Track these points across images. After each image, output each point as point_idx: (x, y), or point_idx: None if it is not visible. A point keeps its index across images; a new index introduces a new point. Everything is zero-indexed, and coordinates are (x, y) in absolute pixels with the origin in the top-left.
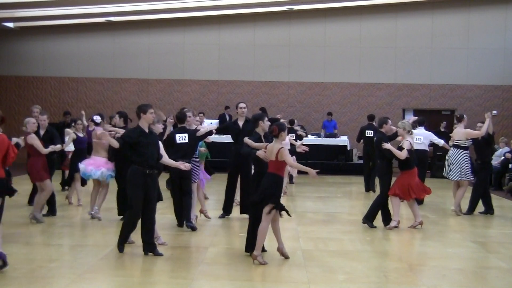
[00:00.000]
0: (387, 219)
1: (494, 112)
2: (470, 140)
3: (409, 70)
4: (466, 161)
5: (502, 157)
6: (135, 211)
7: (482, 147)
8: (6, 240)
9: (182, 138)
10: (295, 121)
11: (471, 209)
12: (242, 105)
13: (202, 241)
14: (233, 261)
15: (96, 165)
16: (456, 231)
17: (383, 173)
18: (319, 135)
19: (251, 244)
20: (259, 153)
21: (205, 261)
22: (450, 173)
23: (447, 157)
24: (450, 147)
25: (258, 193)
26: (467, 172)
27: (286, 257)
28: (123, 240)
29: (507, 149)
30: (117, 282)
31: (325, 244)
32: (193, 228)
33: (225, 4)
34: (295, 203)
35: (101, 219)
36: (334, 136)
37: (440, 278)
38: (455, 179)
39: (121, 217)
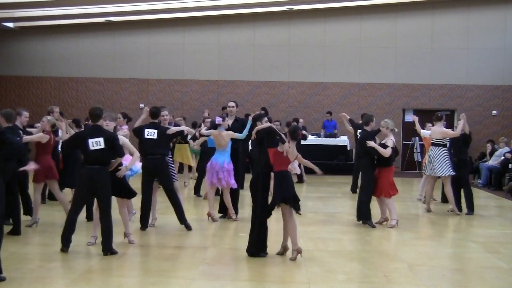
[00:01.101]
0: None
1: (494, 112)
2: (448, 138)
3: (409, 70)
4: (446, 157)
5: (502, 157)
6: None
7: (460, 146)
8: (7, 240)
9: (151, 133)
10: (301, 120)
11: (470, 208)
12: (230, 103)
13: (202, 241)
14: (233, 261)
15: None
16: (456, 231)
17: (366, 169)
18: (319, 135)
19: (252, 245)
20: (286, 145)
21: (205, 261)
22: (434, 170)
23: (427, 156)
24: (430, 145)
25: (283, 194)
26: (448, 168)
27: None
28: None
29: (507, 149)
30: (117, 282)
31: (325, 244)
32: (189, 228)
33: (225, 4)
34: None
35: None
36: (334, 136)
37: (440, 278)
38: (439, 175)
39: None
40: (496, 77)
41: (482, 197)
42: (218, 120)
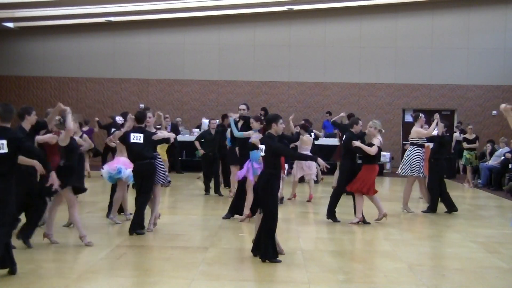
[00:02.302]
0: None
1: (494, 112)
2: (424, 139)
3: (409, 70)
4: (417, 157)
5: (502, 157)
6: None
7: (436, 147)
8: None
9: (136, 138)
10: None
11: (431, 208)
12: (242, 106)
13: (202, 241)
14: (233, 261)
15: (125, 165)
16: (456, 231)
17: (345, 170)
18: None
19: (257, 245)
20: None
21: (205, 261)
22: (402, 168)
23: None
24: (408, 145)
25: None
26: (416, 168)
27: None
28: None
29: (507, 149)
30: (117, 282)
31: (325, 244)
32: (140, 233)
33: (225, 4)
34: (295, 203)
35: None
36: (334, 136)
37: (440, 278)
38: (404, 174)
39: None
40: (496, 77)
41: (482, 197)
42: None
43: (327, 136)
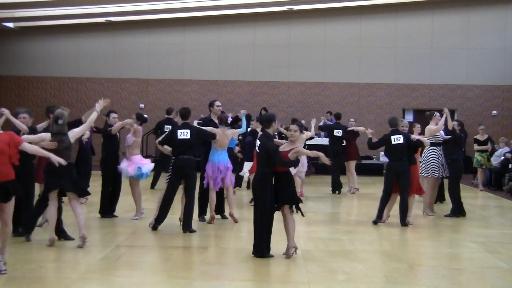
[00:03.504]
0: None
1: (494, 112)
2: (440, 137)
3: (409, 70)
4: (433, 157)
5: (502, 157)
6: None
7: (450, 145)
8: None
9: (184, 134)
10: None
11: (458, 210)
12: (218, 103)
13: (202, 241)
14: (233, 261)
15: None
16: (456, 231)
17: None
18: (319, 135)
19: (258, 246)
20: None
21: (205, 261)
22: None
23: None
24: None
25: (283, 195)
26: (432, 169)
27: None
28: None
29: (507, 149)
30: (117, 282)
31: (325, 244)
32: (192, 231)
33: (225, 4)
34: None
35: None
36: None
37: (440, 278)
38: (424, 175)
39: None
40: (496, 77)
41: (482, 197)
42: (230, 119)
43: (327, 136)
